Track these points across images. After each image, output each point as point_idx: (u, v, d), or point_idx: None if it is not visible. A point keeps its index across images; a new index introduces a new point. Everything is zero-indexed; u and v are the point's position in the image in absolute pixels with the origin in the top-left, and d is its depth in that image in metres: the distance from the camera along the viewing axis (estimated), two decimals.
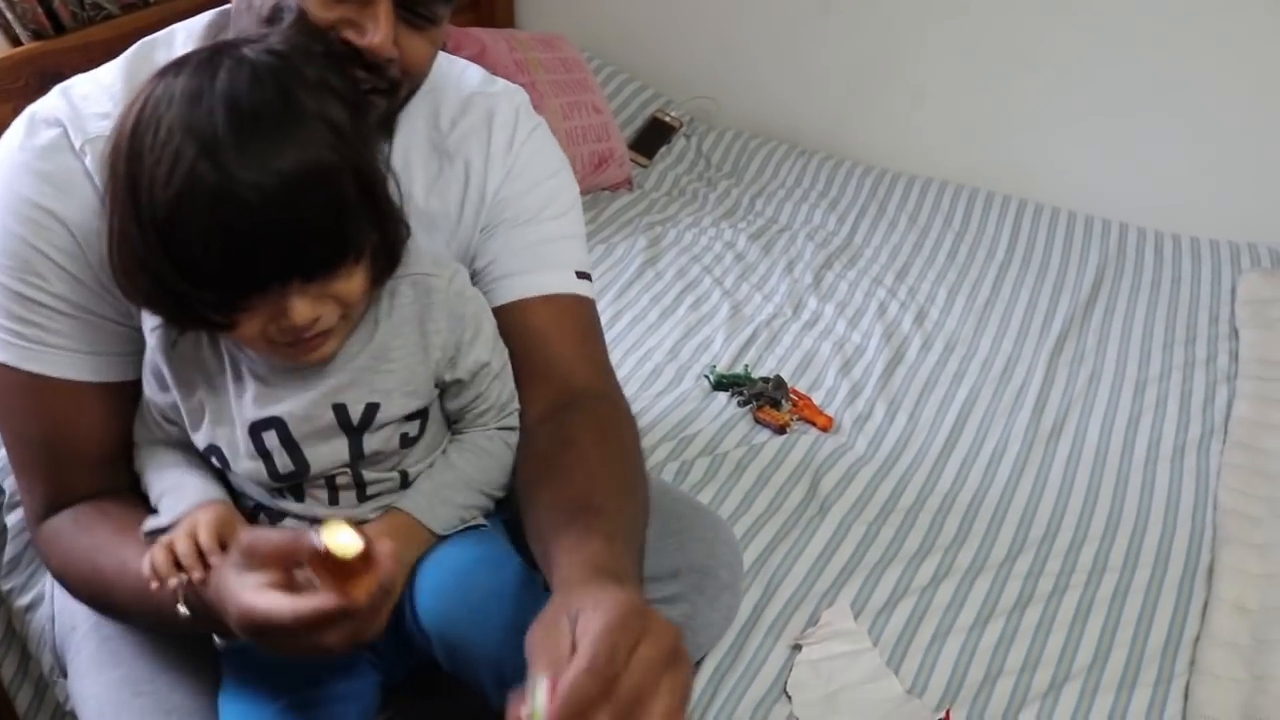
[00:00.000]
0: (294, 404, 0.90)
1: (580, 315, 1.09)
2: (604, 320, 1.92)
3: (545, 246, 1.07)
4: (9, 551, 1.31)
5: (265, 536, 0.80)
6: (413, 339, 0.93)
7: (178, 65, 0.81)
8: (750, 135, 2.64)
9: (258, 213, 0.76)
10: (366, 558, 0.75)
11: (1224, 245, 2.25)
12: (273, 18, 0.87)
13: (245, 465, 0.92)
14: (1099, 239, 2.30)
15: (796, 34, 2.57)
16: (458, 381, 0.96)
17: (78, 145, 0.91)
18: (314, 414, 0.90)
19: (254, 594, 0.78)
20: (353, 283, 0.84)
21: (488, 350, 0.97)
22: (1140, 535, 1.54)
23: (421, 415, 0.95)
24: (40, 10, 1.75)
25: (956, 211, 2.38)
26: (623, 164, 2.44)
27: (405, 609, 0.94)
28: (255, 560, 0.79)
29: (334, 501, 0.95)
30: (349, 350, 0.91)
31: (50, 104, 0.94)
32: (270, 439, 0.91)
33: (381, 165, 0.86)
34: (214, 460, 0.94)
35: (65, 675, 1.14)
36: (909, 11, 2.42)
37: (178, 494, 0.93)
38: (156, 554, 0.86)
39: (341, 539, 0.75)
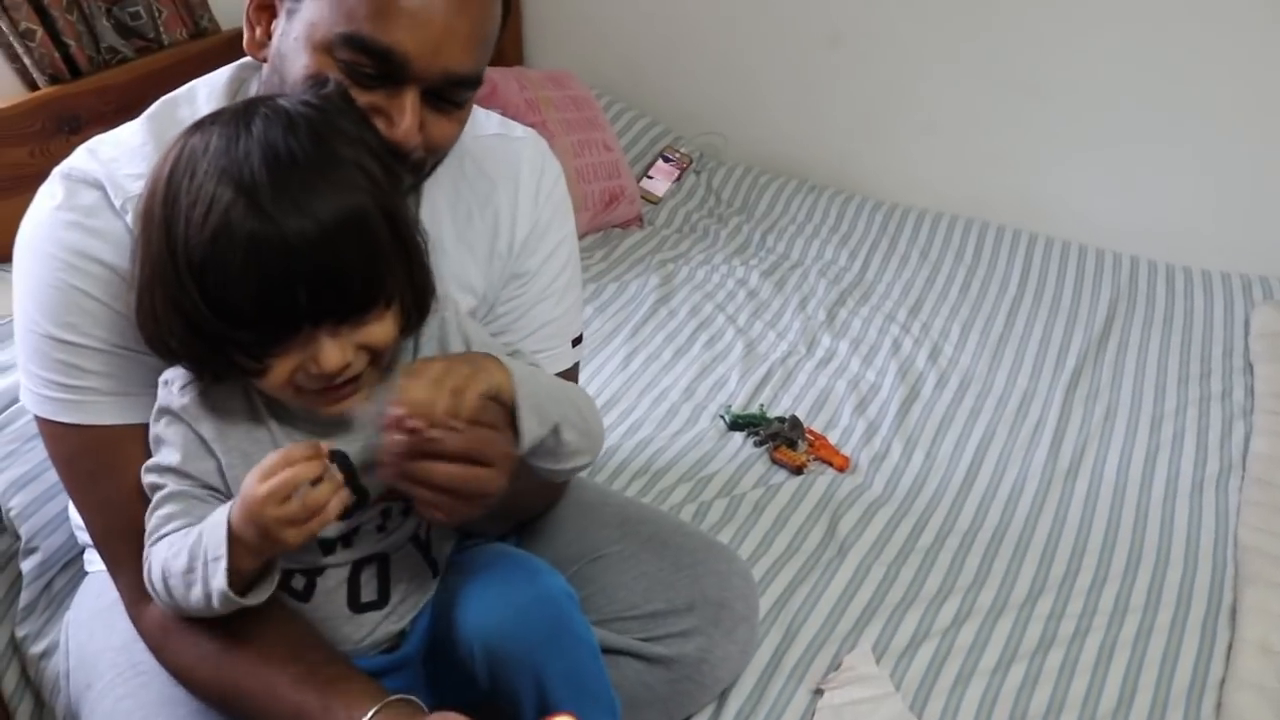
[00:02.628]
0: (352, 436, 0.92)
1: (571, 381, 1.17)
2: (618, 359, 1.95)
3: (553, 325, 1.15)
4: (24, 598, 1.30)
5: None
6: None
7: (214, 116, 0.83)
8: (760, 171, 2.65)
9: (294, 255, 0.78)
10: None
11: (1235, 278, 2.25)
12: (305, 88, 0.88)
13: None
14: (1110, 272, 2.29)
15: (805, 69, 2.58)
16: None
17: (118, 204, 0.92)
18: (375, 443, 0.91)
19: None
20: (383, 329, 0.86)
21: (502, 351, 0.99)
22: (1161, 574, 1.52)
23: None
24: (57, 55, 1.77)
25: (968, 246, 2.38)
26: (633, 201, 2.44)
27: (454, 627, 0.97)
28: None
29: (383, 529, 0.98)
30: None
31: (83, 165, 0.94)
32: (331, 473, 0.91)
33: (411, 215, 0.88)
34: None
35: None
36: (917, 46, 2.43)
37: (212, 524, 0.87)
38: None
39: None
